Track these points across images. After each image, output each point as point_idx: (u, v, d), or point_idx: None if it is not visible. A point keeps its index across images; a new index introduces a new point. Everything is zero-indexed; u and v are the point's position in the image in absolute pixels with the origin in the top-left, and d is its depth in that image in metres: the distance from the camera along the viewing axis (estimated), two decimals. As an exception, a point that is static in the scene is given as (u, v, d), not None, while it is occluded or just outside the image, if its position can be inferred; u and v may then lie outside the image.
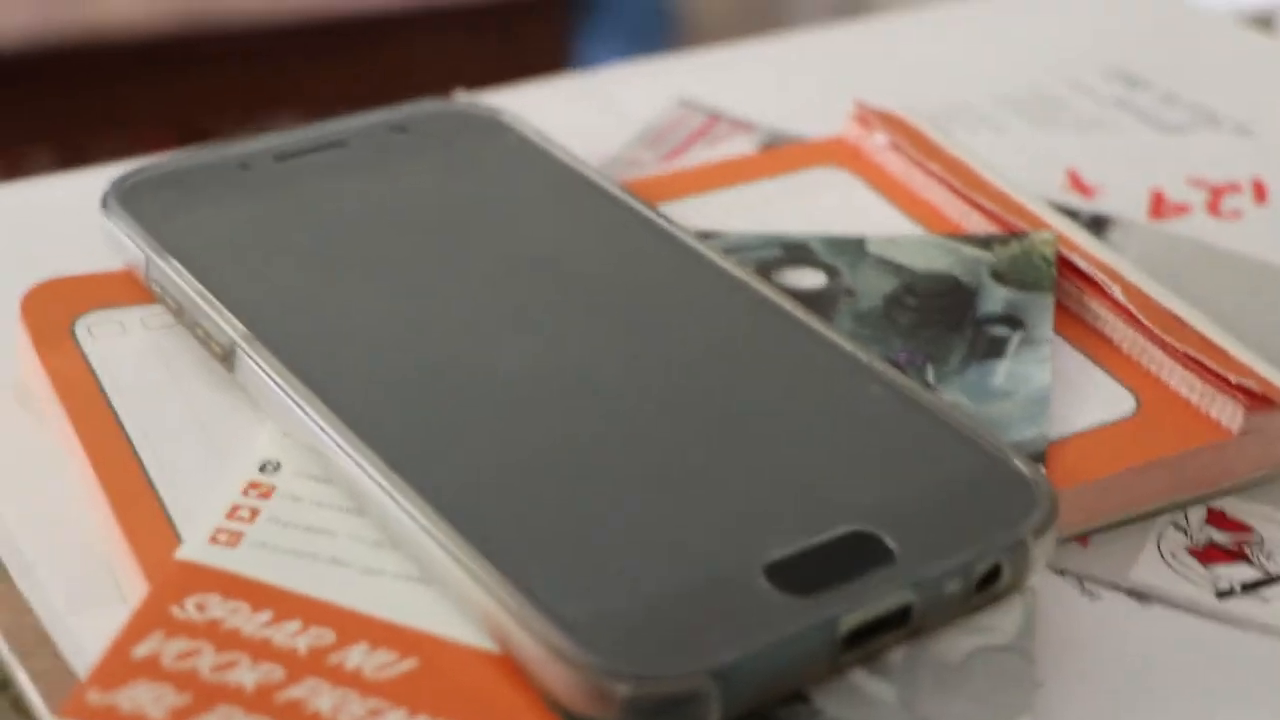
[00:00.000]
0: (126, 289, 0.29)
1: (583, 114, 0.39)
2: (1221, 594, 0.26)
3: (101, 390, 0.27)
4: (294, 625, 0.23)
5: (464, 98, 0.36)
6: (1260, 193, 0.37)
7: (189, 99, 1.05)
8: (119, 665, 0.23)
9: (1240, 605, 0.26)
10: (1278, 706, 0.24)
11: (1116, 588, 0.26)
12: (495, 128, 0.33)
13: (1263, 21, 0.48)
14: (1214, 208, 0.37)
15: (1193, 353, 0.29)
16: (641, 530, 0.24)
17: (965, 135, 0.39)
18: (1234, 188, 0.38)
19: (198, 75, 1.04)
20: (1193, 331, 0.29)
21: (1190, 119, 0.41)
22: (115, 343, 0.28)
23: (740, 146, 0.37)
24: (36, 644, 0.24)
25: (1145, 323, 0.29)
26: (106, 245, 0.30)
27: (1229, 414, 0.28)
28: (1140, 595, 0.26)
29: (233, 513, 0.25)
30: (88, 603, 0.25)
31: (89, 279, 0.30)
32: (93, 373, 0.28)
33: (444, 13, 1.13)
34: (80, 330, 0.29)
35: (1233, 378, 0.28)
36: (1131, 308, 0.30)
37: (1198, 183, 0.38)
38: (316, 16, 1.08)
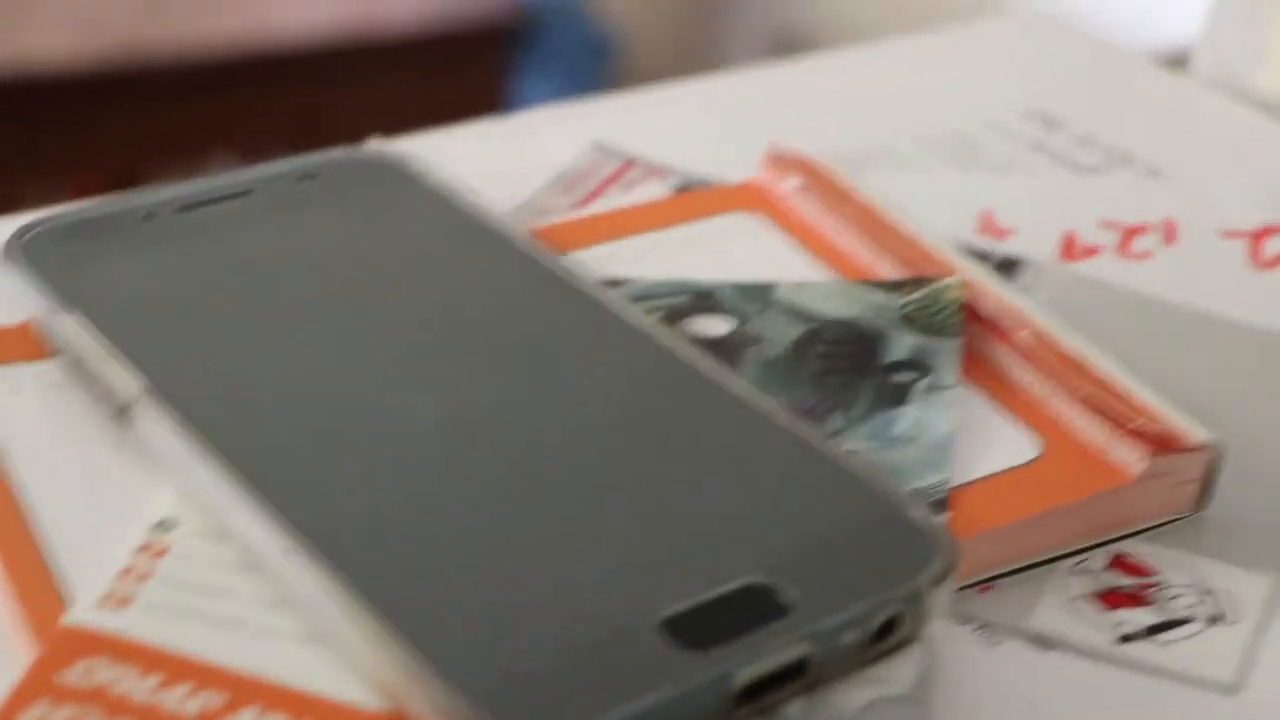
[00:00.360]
0: (22, 344, 0.29)
1: (502, 158, 0.39)
2: (1123, 639, 0.26)
3: (-6, 449, 0.27)
4: (184, 689, 0.23)
5: (375, 145, 0.36)
6: (1170, 233, 0.38)
7: (121, 139, 1.04)
8: (2, 734, 0.22)
9: (1141, 650, 0.26)
10: (1176, 753, 0.24)
11: (1017, 634, 0.26)
12: (402, 177, 0.33)
13: (1177, 62, 0.49)
14: (1124, 248, 0.37)
15: (1095, 397, 0.29)
16: (536, 587, 0.24)
17: (884, 177, 0.39)
18: (1144, 229, 0.38)
19: (131, 115, 1.04)
20: (1095, 376, 0.29)
21: (1105, 160, 0.41)
22: (9, 400, 0.28)
23: (654, 192, 0.37)
24: (-78, 713, 0.24)
25: (1048, 367, 0.30)
26: (4, 298, 0.30)
27: (1131, 459, 0.28)
28: (1041, 641, 0.26)
29: (125, 574, 0.25)
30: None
31: (-16, 334, 0.29)
32: (-15, 431, 0.27)
33: (381, 48, 1.13)
34: (-26, 387, 0.28)
35: (1134, 422, 0.28)
36: (1035, 353, 0.30)
37: (1110, 224, 0.38)
38: (253, 51, 1.08)
